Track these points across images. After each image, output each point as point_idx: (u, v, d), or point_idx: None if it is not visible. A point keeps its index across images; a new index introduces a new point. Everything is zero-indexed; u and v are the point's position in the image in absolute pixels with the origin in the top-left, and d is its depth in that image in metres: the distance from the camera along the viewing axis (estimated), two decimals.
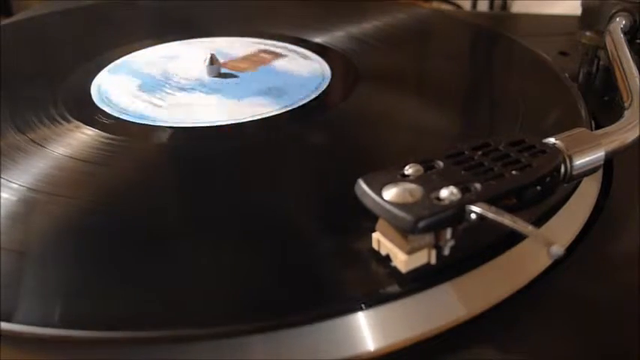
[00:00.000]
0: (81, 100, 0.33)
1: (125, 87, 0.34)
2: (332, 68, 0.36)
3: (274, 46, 0.40)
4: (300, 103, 0.32)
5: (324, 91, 0.33)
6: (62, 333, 0.18)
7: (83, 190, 0.25)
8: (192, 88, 0.34)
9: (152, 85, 0.34)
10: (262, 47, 0.40)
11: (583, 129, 0.23)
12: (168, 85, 0.34)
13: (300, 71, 0.36)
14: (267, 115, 0.31)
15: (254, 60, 0.38)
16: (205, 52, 0.36)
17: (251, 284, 0.20)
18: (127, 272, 0.21)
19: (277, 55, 0.38)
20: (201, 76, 0.35)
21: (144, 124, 0.30)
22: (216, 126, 0.30)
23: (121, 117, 0.31)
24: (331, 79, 0.35)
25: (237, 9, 0.49)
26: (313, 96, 0.33)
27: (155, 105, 0.32)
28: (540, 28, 0.49)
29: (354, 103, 0.33)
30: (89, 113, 0.31)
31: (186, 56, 0.39)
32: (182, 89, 0.34)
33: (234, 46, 0.40)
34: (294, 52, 0.39)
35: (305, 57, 0.38)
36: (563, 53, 0.43)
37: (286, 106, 0.31)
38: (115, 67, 0.37)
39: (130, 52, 0.39)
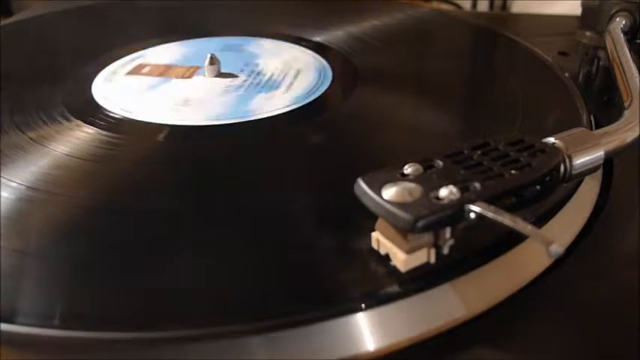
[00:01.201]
0: (81, 99, 0.33)
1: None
2: (332, 68, 0.36)
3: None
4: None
5: (324, 91, 0.33)
6: (62, 333, 0.18)
7: (83, 189, 0.25)
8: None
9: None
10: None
11: (582, 129, 0.23)
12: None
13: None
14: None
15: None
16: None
17: (251, 284, 0.20)
18: (126, 272, 0.21)
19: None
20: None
21: (144, 123, 0.30)
22: (217, 125, 0.30)
23: (121, 116, 0.31)
24: (331, 78, 0.35)
25: (238, 9, 0.49)
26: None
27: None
28: (540, 28, 0.48)
29: (354, 103, 0.33)
30: (89, 112, 0.31)
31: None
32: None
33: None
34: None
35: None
36: (563, 53, 0.43)
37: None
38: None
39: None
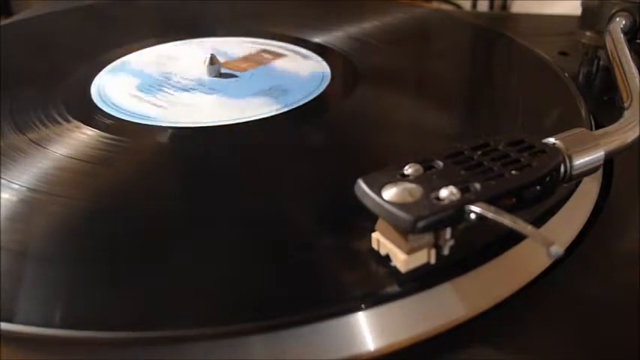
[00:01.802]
0: (81, 100, 0.33)
1: (125, 87, 0.34)
2: (332, 68, 0.36)
3: (275, 46, 0.40)
4: (301, 103, 0.32)
5: (324, 91, 0.33)
6: (62, 333, 0.18)
7: (83, 191, 0.25)
8: (193, 88, 0.34)
9: (152, 85, 0.34)
10: (263, 47, 0.40)
11: (583, 129, 0.23)
12: (168, 85, 0.34)
13: (301, 71, 0.36)
14: (267, 115, 0.31)
15: (255, 60, 0.38)
16: (205, 52, 0.36)
17: (251, 284, 0.20)
18: (126, 272, 0.21)
19: (278, 55, 0.38)
20: (201, 76, 0.35)
21: (144, 124, 0.30)
22: (217, 126, 0.30)
23: (120, 117, 0.31)
24: (331, 78, 0.35)
25: (238, 9, 0.49)
26: (313, 96, 0.33)
27: (155, 105, 0.32)
28: (540, 28, 0.49)
29: (354, 103, 0.33)
30: (89, 113, 0.31)
31: (186, 56, 0.39)
32: (182, 89, 0.34)
33: (234, 46, 0.40)
34: (295, 51, 0.39)
35: (305, 57, 0.38)
36: (563, 53, 0.43)
37: (287, 105, 0.31)
38: (114, 67, 0.37)
39: (130, 52, 0.39)
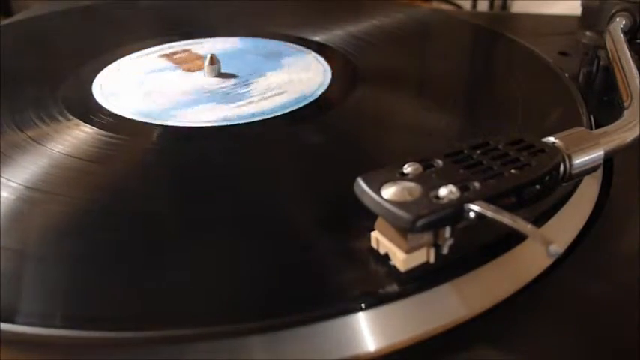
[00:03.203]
0: (81, 99, 0.33)
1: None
2: (332, 68, 0.36)
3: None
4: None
5: (324, 91, 0.33)
6: (62, 333, 0.18)
7: (83, 189, 0.25)
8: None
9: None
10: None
11: (582, 128, 0.23)
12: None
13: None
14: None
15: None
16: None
17: (251, 284, 0.20)
18: (126, 272, 0.21)
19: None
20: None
21: (144, 123, 0.30)
22: (218, 125, 0.30)
23: (120, 115, 0.31)
24: (331, 79, 0.35)
25: (237, 9, 0.49)
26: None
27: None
28: (540, 28, 0.48)
29: (354, 103, 0.33)
30: (89, 112, 0.31)
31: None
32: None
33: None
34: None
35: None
36: (563, 53, 0.43)
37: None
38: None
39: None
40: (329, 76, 0.35)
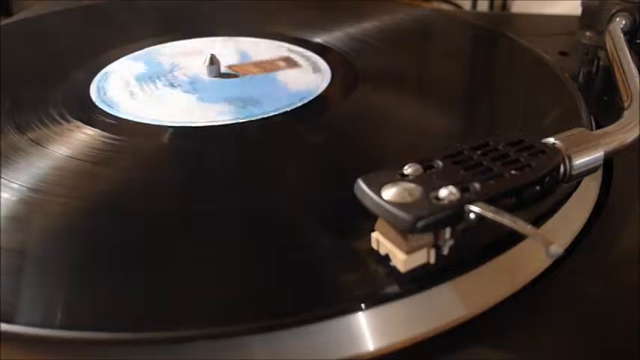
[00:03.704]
0: (81, 99, 0.33)
1: (125, 87, 0.34)
2: (331, 68, 0.36)
3: (298, 53, 0.39)
4: (264, 116, 0.31)
5: (323, 92, 0.33)
6: (62, 334, 0.18)
7: (83, 190, 0.25)
8: (179, 85, 0.34)
9: (151, 76, 0.35)
10: (286, 54, 0.39)
11: (582, 129, 0.23)
12: (163, 78, 0.35)
13: (299, 84, 0.34)
14: (266, 116, 0.31)
15: (265, 66, 0.37)
16: (227, 49, 0.37)
17: (251, 284, 0.20)
18: (126, 272, 0.21)
19: (293, 65, 0.37)
20: (198, 74, 0.36)
21: (144, 124, 0.30)
22: (218, 125, 0.30)
23: (120, 116, 0.31)
24: (330, 79, 0.35)
25: (237, 9, 0.49)
26: (313, 96, 0.33)
27: (132, 95, 0.32)
28: (540, 28, 0.48)
29: (354, 103, 0.33)
30: (89, 113, 0.31)
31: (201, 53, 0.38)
32: (170, 84, 0.34)
33: (258, 47, 0.40)
34: (312, 61, 0.38)
35: (316, 69, 0.37)
36: (563, 53, 0.43)
37: (247, 117, 0.31)
38: (115, 66, 0.37)
39: (130, 52, 0.39)
40: (328, 76, 0.35)
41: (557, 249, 0.17)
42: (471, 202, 0.18)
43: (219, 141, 0.29)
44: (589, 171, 0.22)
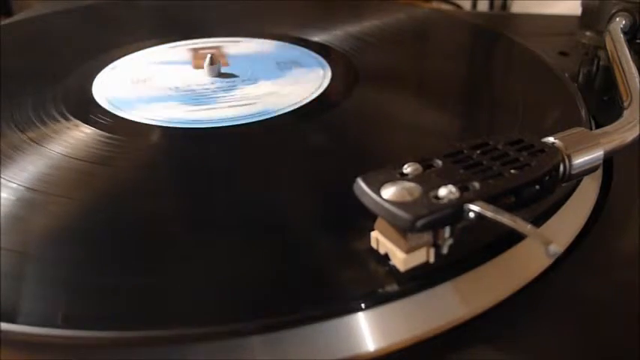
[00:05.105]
0: (81, 99, 0.33)
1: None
2: (332, 68, 0.36)
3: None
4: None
5: (323, 91, 0.33)
6: (62, 333, 0.18)
7: (83, 190, 0.25)
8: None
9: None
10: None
11: (582, 128, 0.23)
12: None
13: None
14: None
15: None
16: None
17: (251, 284, 0.20)
18: (126, 272, 0.21)
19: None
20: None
21: (144, 123, 0.30)
22: (218, 125, 0.30)
23: (120, 116, 0.31)
24: (331, 79, 0.35)
25: (238, 9, 0.49)
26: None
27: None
28: (540, 28, 0.49)
29: (354, 103, 0.33)
30: (89, 113, 0.31)
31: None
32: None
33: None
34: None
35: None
36: (563, 53, 0.43)
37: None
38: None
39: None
40: (328, 76, 0.35)
41: (557, 248, 0.17)
42: (471, 201, 0.18)
43: (219, 141, 0.29)
44: (589, 170, 0.22)
